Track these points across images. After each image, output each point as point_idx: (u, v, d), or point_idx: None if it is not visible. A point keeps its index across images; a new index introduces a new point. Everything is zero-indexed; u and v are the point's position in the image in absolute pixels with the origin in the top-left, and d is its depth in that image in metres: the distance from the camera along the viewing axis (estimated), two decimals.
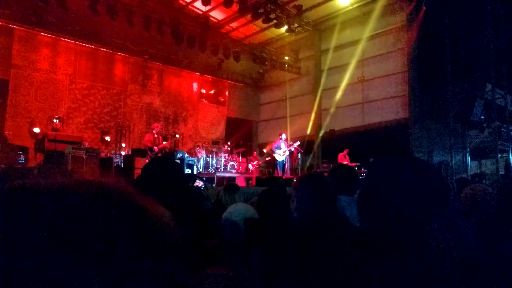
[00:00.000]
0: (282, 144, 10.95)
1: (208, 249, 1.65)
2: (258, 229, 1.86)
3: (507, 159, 11.16)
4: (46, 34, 11.30)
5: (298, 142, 11.15)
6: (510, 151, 11.10)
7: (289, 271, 1.33)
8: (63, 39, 11.63)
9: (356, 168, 11.29)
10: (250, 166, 12.49)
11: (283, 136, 11.16)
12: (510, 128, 11.23)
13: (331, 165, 12.76)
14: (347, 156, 11.56)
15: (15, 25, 10.68)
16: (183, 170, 1.75)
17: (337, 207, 1.63)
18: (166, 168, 1.78)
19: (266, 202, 2.04)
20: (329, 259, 1.35)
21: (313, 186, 1.53)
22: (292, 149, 11.04)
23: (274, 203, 2.04)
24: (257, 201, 2.25)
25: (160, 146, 9.86)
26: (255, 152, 13.81)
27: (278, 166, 11.05)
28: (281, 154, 10.90)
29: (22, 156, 8.57)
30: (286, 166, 11.21)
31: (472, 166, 11.56)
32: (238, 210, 1.89)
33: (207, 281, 1.39)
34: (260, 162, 13.14)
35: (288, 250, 1.44)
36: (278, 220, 1.91)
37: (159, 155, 9.55)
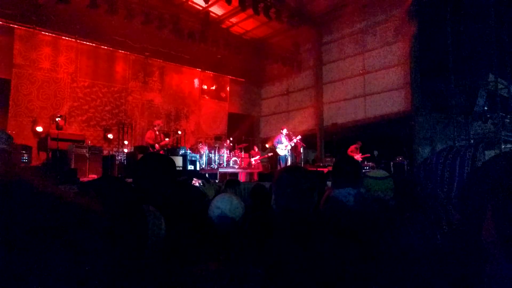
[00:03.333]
0: (283, 139, 10.94)
1: (198, 239, 1.67)
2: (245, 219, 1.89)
3: None
4: (47, 33, 11.32)
5: (299, 136, 11.12)
6: None
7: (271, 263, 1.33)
8: (63, 37, 11.65)
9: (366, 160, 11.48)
10: (252, 161, 12.50)
11: (284, 130, 11.13)
12: None
13: (334, 158, 12.78)
14: (358, 148, 11.60)
15: (16, 25, 10.70)
16: (173, 164, 1.75)
17: (315, 199, 1.63)
18: (156, 164, 1.79)
19: (256, 194, 2.06)
20: (307, 251, 1.35)
21: (289, 181, 1.53)
22: (292, 144, 11.02)
23: (261, 195, 2.06)
24: (250, 193, 2.27)
25: (162, 143, 9.90)
26: (256, 147, 13.80)
27: (280, 161, 11.05)
28: (283, 149, 10.90)
29: (26, 155, 8.60)
30: (289, 160, 11.21)
31: None
32: (222, 200, 1.91)
33: (203, 278, 1.40)
34: (262, 157, 13.14)
35: (267, 242, 1.44)
36: (265, 211, 1.93)
37: (161, 152, 9.59)
